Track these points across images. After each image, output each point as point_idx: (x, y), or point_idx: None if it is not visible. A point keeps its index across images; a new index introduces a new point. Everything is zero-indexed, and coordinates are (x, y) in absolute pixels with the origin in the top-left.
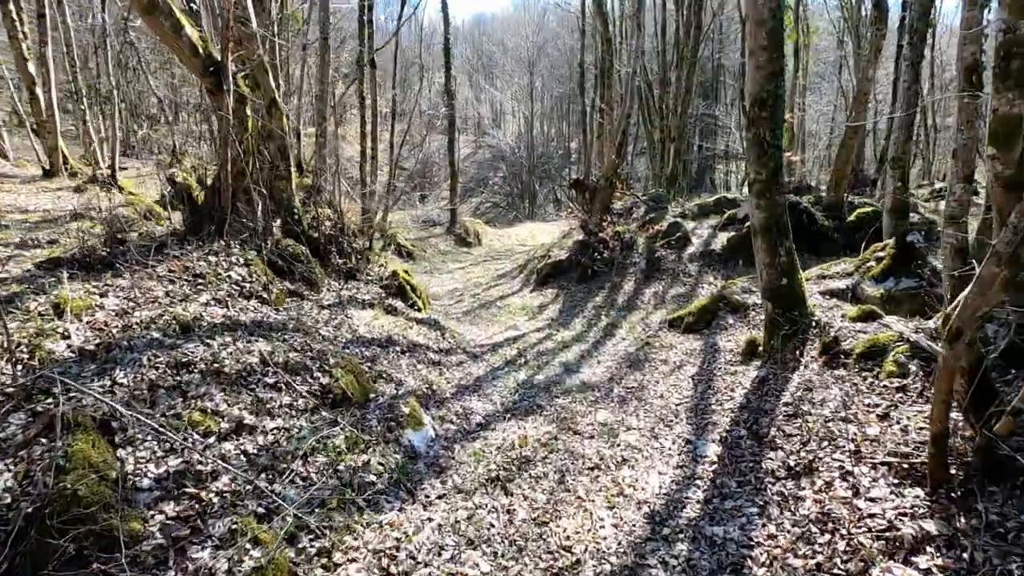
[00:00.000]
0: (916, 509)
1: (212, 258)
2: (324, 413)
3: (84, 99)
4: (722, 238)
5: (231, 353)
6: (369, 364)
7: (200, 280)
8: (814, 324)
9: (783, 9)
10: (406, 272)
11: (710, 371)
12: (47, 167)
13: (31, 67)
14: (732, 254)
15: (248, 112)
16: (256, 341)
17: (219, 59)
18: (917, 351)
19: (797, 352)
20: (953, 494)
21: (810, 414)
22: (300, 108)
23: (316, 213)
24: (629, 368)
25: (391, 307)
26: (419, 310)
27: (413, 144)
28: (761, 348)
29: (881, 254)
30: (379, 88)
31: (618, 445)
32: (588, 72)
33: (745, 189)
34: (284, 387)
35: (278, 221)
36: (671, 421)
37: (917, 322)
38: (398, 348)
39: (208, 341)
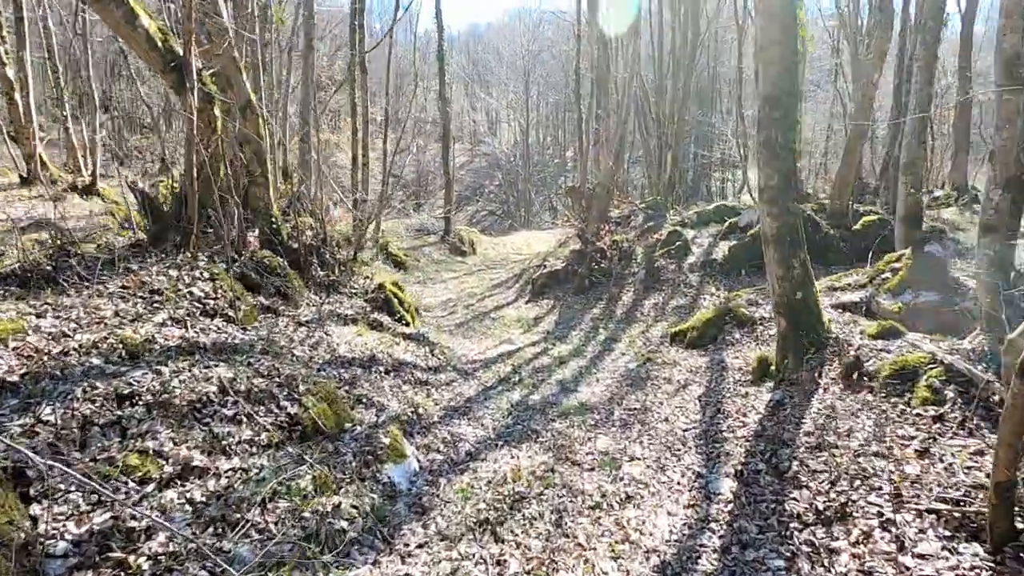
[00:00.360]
0: (977, 571)
1: (173, 272)
2: (290, 449)
3: (66, 105)
4: (723, 247)
5: (184, 381)
6: (348, 387)
7: (157, 297)
8: (831, 341)
9: (795, 2)
10: (395, 284)
11: (719, 392)
12: (24, 175)
13: (9, 72)
14: (734, 264)
15: (217, 113)
16: (216, 366)
17: (181, 54)
18: (953, 375)
19: (815, 373)
20: (1022, 554)
21: (836, 446)
22: (289, 114)
23: (296, 222)
24: (630, 387)
25: (376, 322)
26: (407, 324)
27: (409, 152)
28: (774, 367)
29: (897, 265)
30: (373, 96)
31: (621, 479)
32: (584, 79)
33: (745, 197)
34: (245, 419)
35: (257, 231)
36: (679, 450)
37: (950, 342)
38: (382, 368)
39: (159, 367)
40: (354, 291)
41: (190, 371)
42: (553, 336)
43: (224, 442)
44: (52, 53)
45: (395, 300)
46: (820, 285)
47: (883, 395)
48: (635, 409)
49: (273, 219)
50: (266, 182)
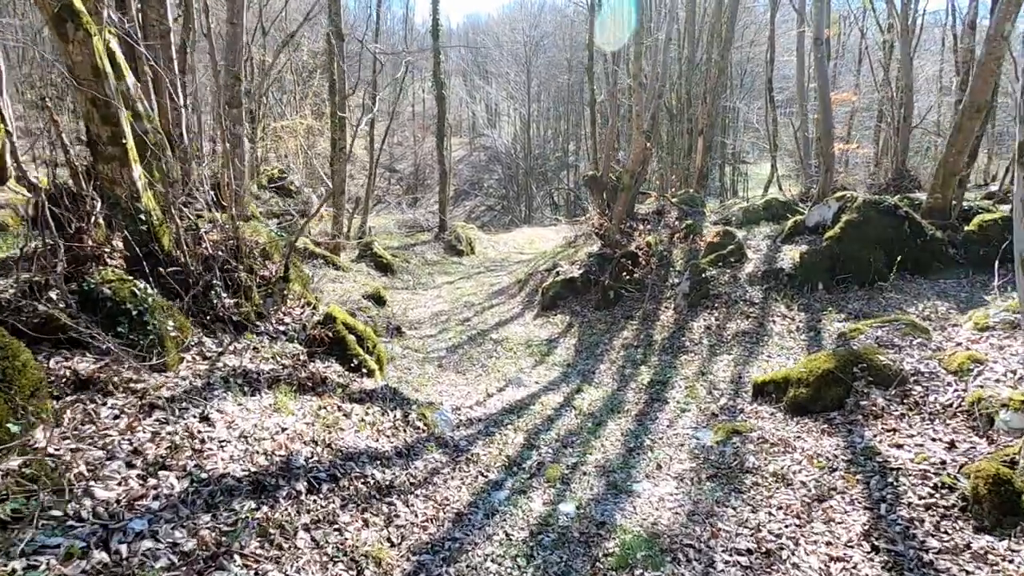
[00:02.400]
0: None
1: None
2: None
3: None
4: (790, 253)
5: None
6: (203, 559)
7: None
8: None
9: None
10: (377, 296)
11: (905, 535)
12: None
13: None
14: (808, 275)
15: None
16: None
17: None
18: None
19: None
20: None
21: None
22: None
23: (181, 224)
24: (720, 489)
25: (313, 380)
26: (369, 373)
27: (406, 146)
28: None
29: None
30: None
31: None
32: (598, 55)
33: (774, 191)
34: None
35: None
36: None
37: None
38: (309, 478)
39: None
40: (283, 328)
41: None
42: (576, 372)
43: None
44: None
45: (350, 338)
46: (936, 309)
47: None
48: (750, 550)
49: (141, 217)
50: (124, 157)
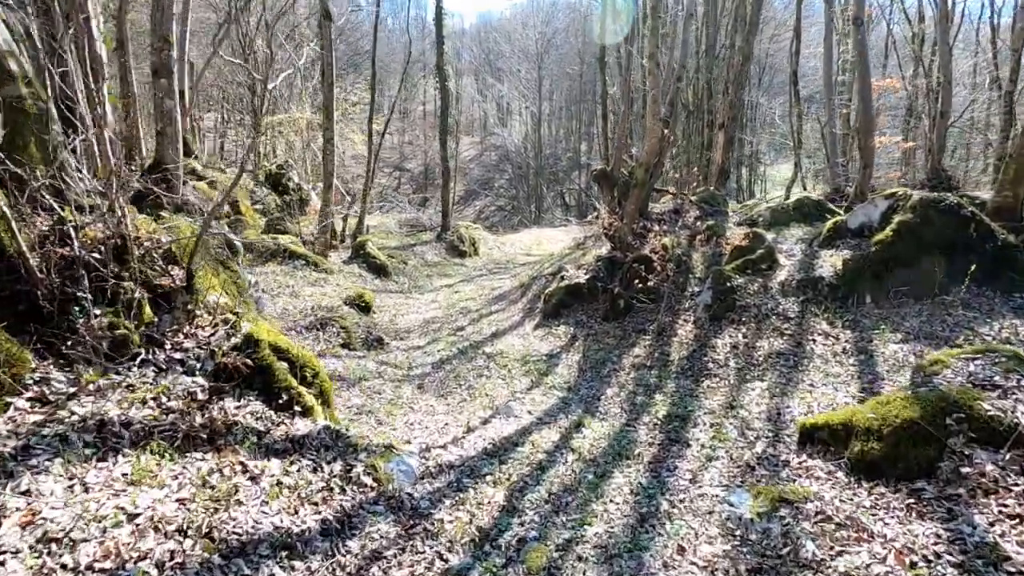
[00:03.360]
0: None
1: None
2: None
3: None
4: (830, 260)
5: None
6: None
7: None
8: None
9: None
10: (362, 303)
11: None
12: None
13: None
14: (852, 285)
15: None
16: None
17: None
18: None
19: None
20: None
21: None
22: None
23: (39, 219)
24: None
25: (212, 429)
26: (304, 411)
27: (416, 145)
28: None
29: None
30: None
31: None
32: (611, 46)
33: (797, 191)
34: None
35: None
36: None
37: None
38: None
39: None
40: (179, 357)
41: None
42: (577, 398)
43: None
44: None
45: (279, 367)
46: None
47: None
48: None
49: None
50: None
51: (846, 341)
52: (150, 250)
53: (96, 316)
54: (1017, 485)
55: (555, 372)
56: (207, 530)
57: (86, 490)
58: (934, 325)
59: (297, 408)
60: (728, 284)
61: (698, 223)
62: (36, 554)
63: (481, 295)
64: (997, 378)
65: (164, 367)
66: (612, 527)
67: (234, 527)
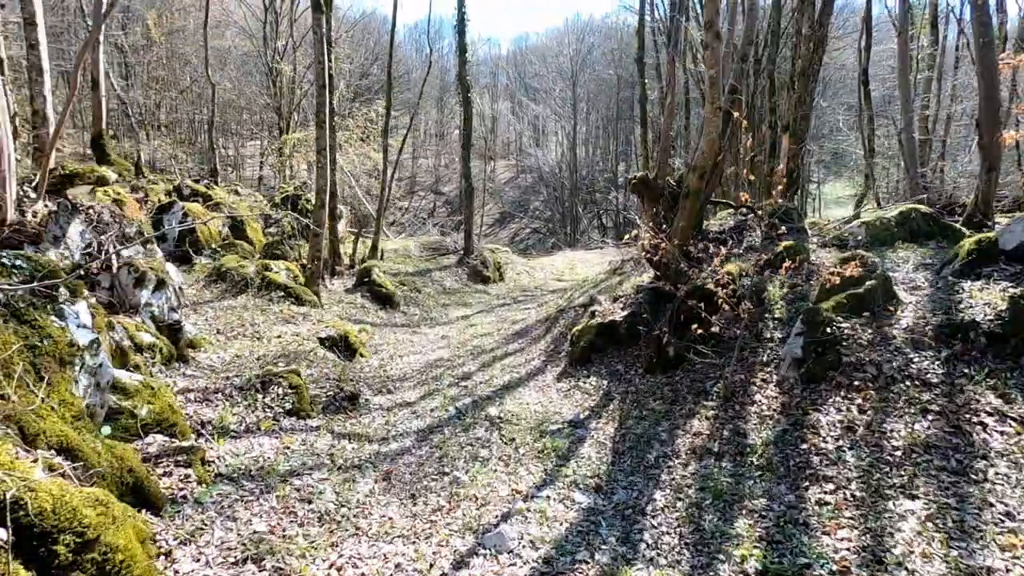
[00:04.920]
0: None
1: None
2: None
3: None
4: (981, 296)
5: None
6: None
7: None
8: None
9: None
10: (345, 344)
11: None
12: None
13: None
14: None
15: None
16: None
17: None
18: None
19: None
20: None
21: None
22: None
23: None
24: None
25: None
26: None
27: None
28: None
29: None
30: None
31: None
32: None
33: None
34: None
35: None
36: None
37: None
38: None
39: None
40: None
41: None
42: (611, 513)
43: None
44: None
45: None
46: None
47: None
48: None
49: None
50: None
51: None
52: None
53: None
54: None
55: (579, 454)
56: None
57: None
58: None
59: None
60: (827, 330)
61: (771, 244)
62: None
63: (499, 330)
64: None
65: None
66: None
67: None
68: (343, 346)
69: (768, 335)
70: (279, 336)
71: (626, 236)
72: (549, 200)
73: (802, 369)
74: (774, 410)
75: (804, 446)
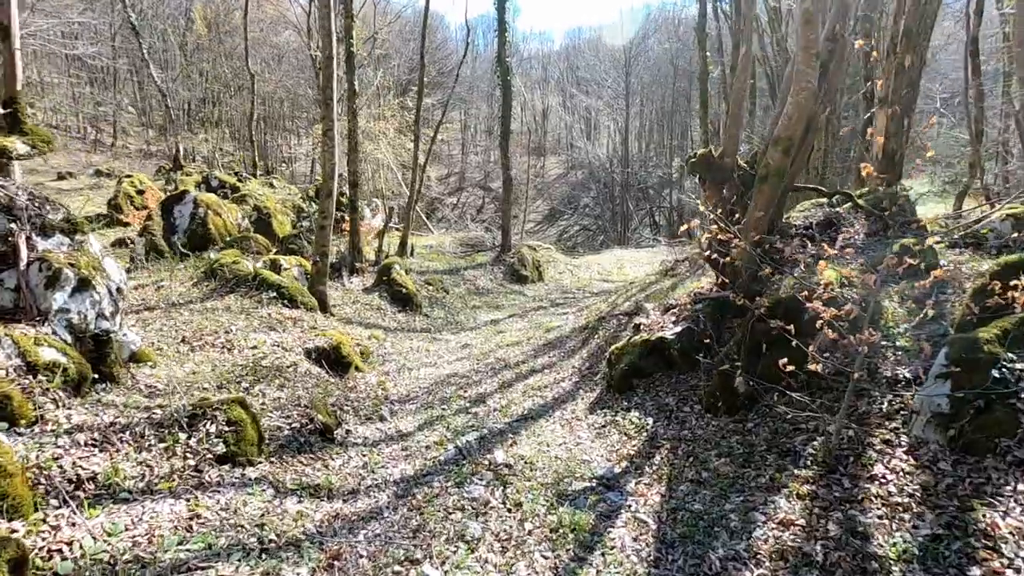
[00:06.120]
0: None
1: None
2: None
3: None
4: None
5: None
6: None
7: None
8: None
9: None
10: (337, 358)
11: None
12: None
13: None
14: None
15: None
16: None
17: None
18: None
19: None
20: None
21: None
22: None
23: None
24: None
25: None
26: None
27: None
28: None
29: None
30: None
31: None
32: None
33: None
34: None
35: None
36: None
37: None
38: None
39: None
40: None
41: None
42: None
43: None
44: None
45: None
46: None
47: None
48: None
49: None
50: None
51: None
52: None
53: None
54: None
55: (609, 541)
56: None
57: None
58: None
59: None
60: (990, 371)
61: (879, 244)
62: None
63: (530, 339)
64: None
65: None
66: None
67: None
68: (334, 359)
69: (887, 372)
70: (255, 347)
71: (682, 229)
72: (599, 196)
73: (950, 431)
74: (910, 495)
75: (969, 568)
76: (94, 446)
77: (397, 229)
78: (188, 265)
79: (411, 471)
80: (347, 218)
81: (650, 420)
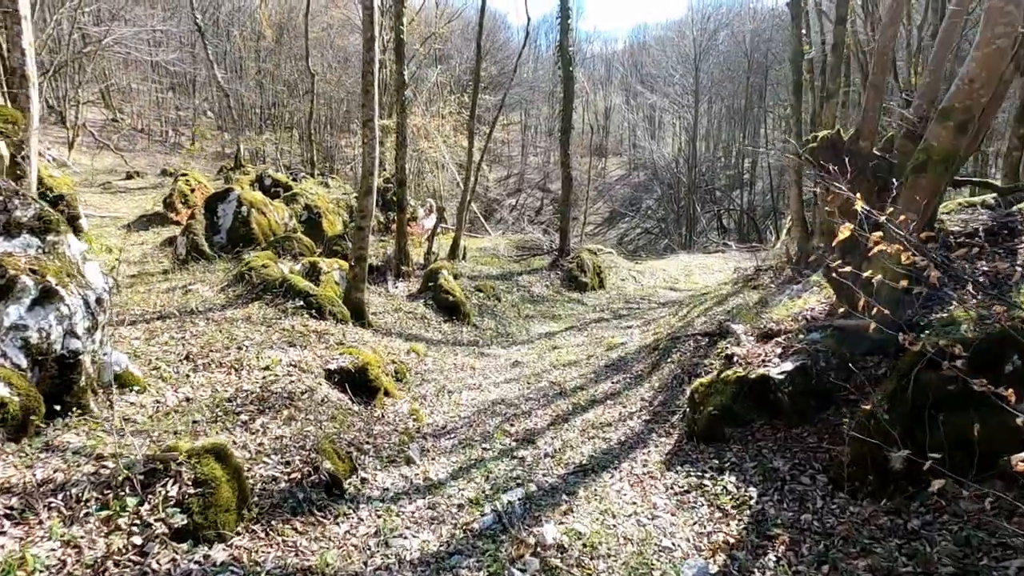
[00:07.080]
0: None
1: None
2: None
3: None
4: None
5: None
6: None
7: None
8: None
9: None
10: (363, 381)
11: None
12: None
13: None
14: None
15: None
16: None
17: None
18: None
19: None
20: None
21: None
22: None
23: None
24: None
25: None
26: None
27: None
28: None
29: None
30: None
31: None
32: None
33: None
34: None
35: None
36: None
37: None
38: None
39: None
40: None
41: None
42: None
43: None
44: None
45: None
46: None
47: None
48: None
49: None
50: None
51: None
52: None
53: None
54: None
55: None
56: None
57: None
58: None
59: None
60: None
61: None
62: None
63: (589, 357)
64: None
65: None
66: None
67: None
68: (359, 382)
69: None
70: (267, 367)
71: (754, 242)
72: (663, 198)
73: None
74: None
75: None
76: (8, 518)
77: (451, 230)
78: (222, 267)
79: (434, 544)
80: (394, 218)
81: (753, 491)
